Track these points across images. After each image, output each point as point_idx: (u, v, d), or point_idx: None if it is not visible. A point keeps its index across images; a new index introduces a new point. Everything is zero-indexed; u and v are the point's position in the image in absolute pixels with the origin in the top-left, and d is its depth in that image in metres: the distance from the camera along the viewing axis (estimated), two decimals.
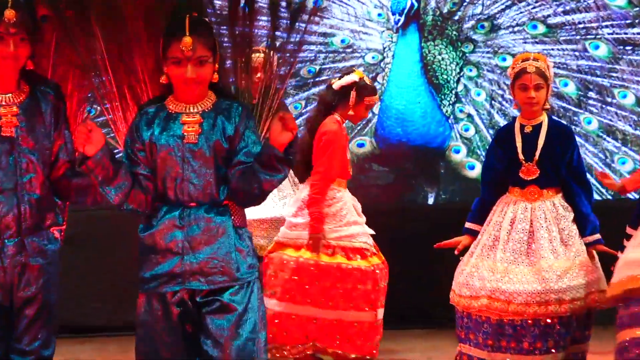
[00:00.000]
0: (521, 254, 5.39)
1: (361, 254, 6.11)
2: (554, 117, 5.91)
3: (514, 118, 5.67)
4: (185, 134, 4.01)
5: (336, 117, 6.18)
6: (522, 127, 5.57)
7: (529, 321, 5.34)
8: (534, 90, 5.43)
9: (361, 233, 6.16)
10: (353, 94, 6.13)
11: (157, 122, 4.05)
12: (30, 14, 4.15)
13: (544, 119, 5.54)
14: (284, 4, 5.42)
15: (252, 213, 5.59)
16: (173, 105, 4.07)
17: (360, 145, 8.65)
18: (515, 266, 5.37)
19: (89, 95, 5.51)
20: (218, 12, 5.43)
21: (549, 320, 5.32)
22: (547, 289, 5.31)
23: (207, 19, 4.22)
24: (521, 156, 5.53)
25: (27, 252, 4.15)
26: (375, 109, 8.43)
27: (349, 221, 6.15)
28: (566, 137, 5.56)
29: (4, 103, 4.15)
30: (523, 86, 5.47)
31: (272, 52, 5.43)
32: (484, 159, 5.90)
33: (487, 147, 5.85)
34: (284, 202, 6.66)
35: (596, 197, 7.29)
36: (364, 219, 6.25)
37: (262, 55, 5.60)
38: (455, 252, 5.62)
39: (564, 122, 7.22)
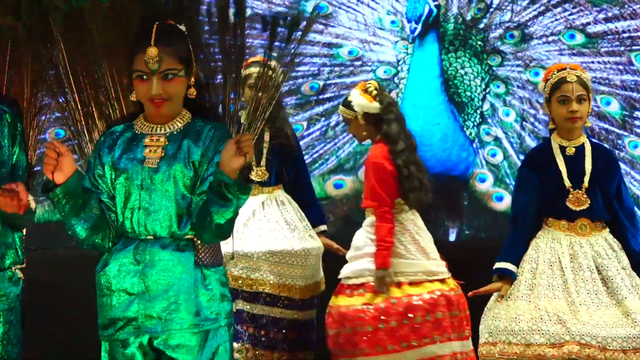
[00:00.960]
0: (598, 295, 5.24)
1: None
2: (593, 139, 5.87)
3: (546, 139, 5.52)
4: (145, 157, 3.93)
5: None
6: (562, 148, 5.39)
7: None
8: (577, 103, 5.27)
9: None
10: None
11: (119, 144, 3.99)
12: None
13: (585, 139, 5.42)
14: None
15: (263, 245, 6.21)
16: (140, 125, 4.01)
17: None
18: (596, 308, 5.21)
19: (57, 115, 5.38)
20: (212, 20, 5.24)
21: None
22: None
23: (181, 27, 4.06)
24: (568, 183, 5.32)
25: None
26: None
27: None
28: (613, 162, 5.46)
29: None
30: (563, 98, 5.28)
31: (270, 65, 5.18)
32: (514, 192, 5.71)
33: (517, 177, 5.64)
34: (293, 235, 6.51)
35: None
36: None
37: (258, 69, 5.30)
38: (498, 300, 5.38)
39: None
